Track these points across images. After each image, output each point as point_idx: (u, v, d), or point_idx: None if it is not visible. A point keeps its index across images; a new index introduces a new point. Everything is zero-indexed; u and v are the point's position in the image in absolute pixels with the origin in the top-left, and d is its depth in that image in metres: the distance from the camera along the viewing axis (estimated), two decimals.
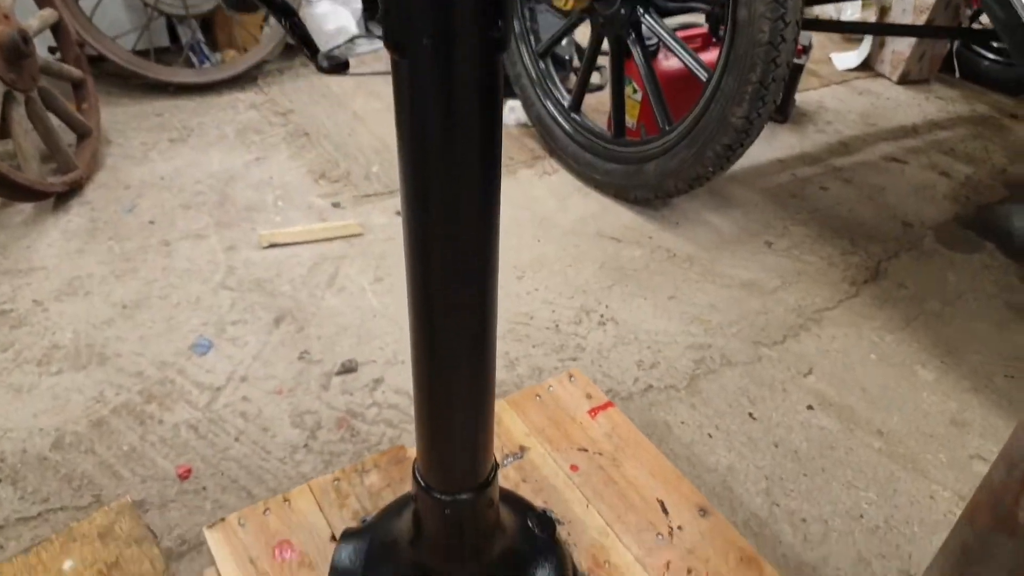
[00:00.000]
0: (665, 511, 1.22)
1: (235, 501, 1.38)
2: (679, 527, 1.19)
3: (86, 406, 1.54)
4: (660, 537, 1.18)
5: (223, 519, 1.16)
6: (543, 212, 2.26)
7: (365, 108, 2.82)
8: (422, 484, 0.89)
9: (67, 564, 1.16)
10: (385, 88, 2.99)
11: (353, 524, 1.15)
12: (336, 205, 2.23)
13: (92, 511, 1.33)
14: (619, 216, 2.25)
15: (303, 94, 2.91)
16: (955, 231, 2.30)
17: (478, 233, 0.70)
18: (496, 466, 0.93)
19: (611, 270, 2.02)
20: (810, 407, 1.65)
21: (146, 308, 1.80)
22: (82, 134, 2.31)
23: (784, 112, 2.93)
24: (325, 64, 2.57)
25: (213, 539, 1.14)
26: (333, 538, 1.15)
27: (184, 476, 1.42)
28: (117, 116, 2.63)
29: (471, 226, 0.69)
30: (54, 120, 2.17)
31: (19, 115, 2.00)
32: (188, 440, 1.49)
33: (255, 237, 2.07)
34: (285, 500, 1.20)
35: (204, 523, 1.24)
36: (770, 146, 2.74)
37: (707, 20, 2.65)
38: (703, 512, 1.22)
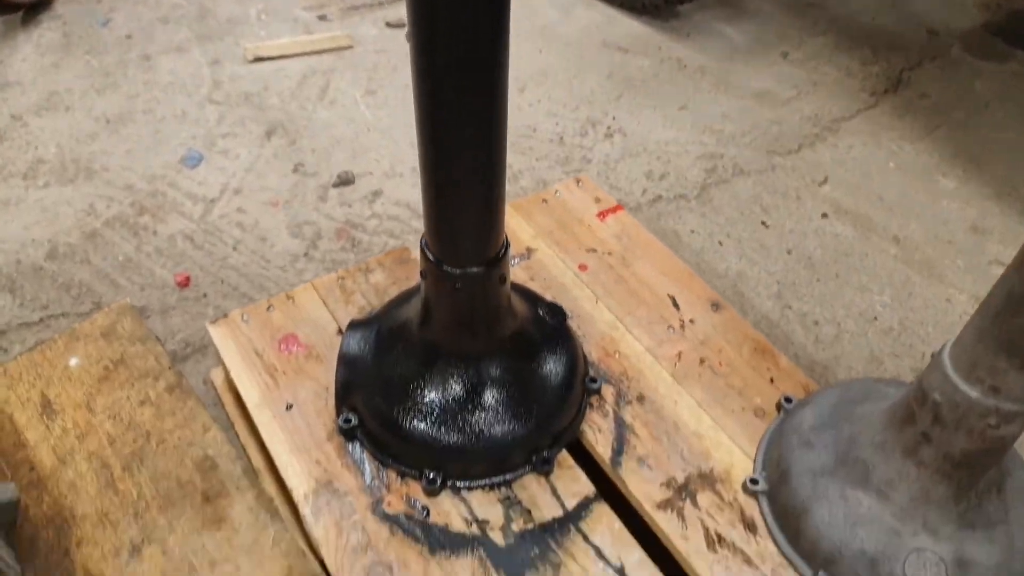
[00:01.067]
0: (676, 306, 1.21)
1: (237, 307, 1.37)
2: (691, 320, 1.19)
3: (77, 219, 1.51)
4: (671, 330, 1.18)
5: (226, 315, 1.16)
6: (544, 22, 2.15)
7: None
8: (431, 259, 0.87)
9: (73, 361, 1.16)
10: None
11: (360, 317, 1.14)
12: (323, 18, 2.12)
13: (93, 315, 1.32)
14: (626, 26, 2.14)
15: None
16: (984, 39, 2.20)
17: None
18: (507, 244, 0.91)
19: (618, 81, 1.94)
20: (825, 215, 1.62)
21: (131, 122, 1.74)
22: None
23: None
24: None
25: (217, 334, 1.14)
26: (339, 332, 1.14)
27: (183, 284, 1.41)
28: None
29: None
30: None
31: None
32: (185, 250, 1.47)
33: (240, 51, 1.97)
34: (289, 298, 1.19)
35: (207, 324, 1.24)
36: None
37: None
38: (716, 307, 1.21)
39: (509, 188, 1.64)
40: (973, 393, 0.75)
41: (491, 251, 0.89)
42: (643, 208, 1.62)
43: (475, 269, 0.88)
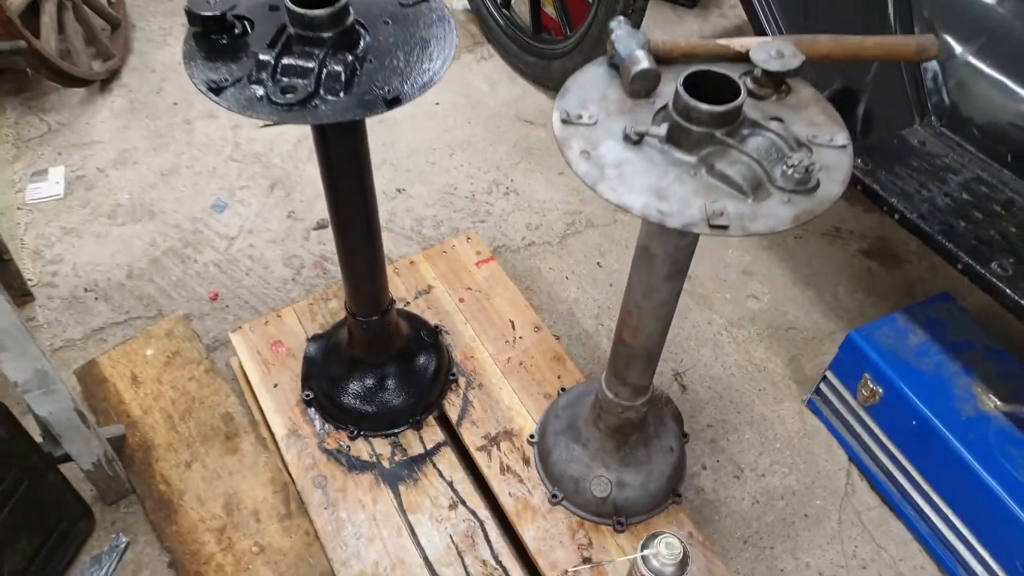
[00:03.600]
0: (514, 328, 1.88)
1: (248, 315, 2.04)
2: (520, 337, 1.86)
3: (144, 249, 2.17)
4: (507, 343, 1.84)
5: (240, 327, 1.82)
6: (476, 96, 2.76)
7: None
8: (348, 311, 1.54)
9: (149, 352, 1.84)
10: None
11: (319, 332, 1.81)
12: None
13: (158, 320, 1.99)
14: (536, 101, 2.76)
15: None
16: None
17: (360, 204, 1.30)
18: (393, 301, 1.56)
19: (521, 149, 2.57)
20: None
21: (177, 175, 2.38)
22: (114, 24, 2.76)
23: None
24: None
25: (235, 339, 1.81)
26: (308, 340, 1.81)
27: (214, 299, 2.07)
28: (136, 1, 3.05)
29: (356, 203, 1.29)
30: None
31: (68, 19, 2.47)
32: (215, 274, 2.13)
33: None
34: (278, 316, 1.85)
35: (228, 329, 1.90)
36: (674, 31, 3.17)
37: None
38: (537, 328, 1.87)
39: (432, 232, 2.29)
40: (610, 395, 1.42)
41: (382, 307, 1.54)
42: (521, 250, 2.27)
43: (374, 318, 1.54)
